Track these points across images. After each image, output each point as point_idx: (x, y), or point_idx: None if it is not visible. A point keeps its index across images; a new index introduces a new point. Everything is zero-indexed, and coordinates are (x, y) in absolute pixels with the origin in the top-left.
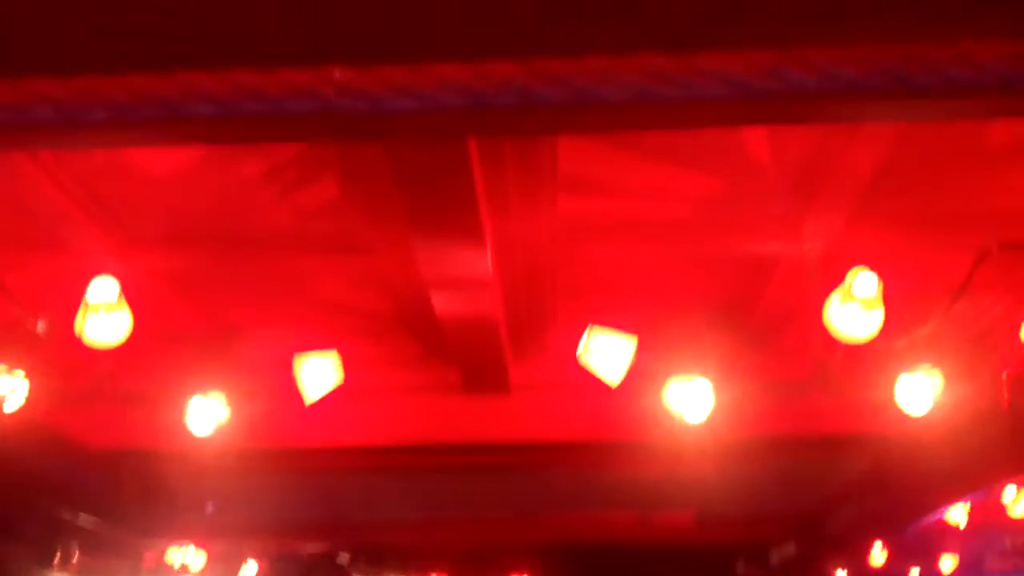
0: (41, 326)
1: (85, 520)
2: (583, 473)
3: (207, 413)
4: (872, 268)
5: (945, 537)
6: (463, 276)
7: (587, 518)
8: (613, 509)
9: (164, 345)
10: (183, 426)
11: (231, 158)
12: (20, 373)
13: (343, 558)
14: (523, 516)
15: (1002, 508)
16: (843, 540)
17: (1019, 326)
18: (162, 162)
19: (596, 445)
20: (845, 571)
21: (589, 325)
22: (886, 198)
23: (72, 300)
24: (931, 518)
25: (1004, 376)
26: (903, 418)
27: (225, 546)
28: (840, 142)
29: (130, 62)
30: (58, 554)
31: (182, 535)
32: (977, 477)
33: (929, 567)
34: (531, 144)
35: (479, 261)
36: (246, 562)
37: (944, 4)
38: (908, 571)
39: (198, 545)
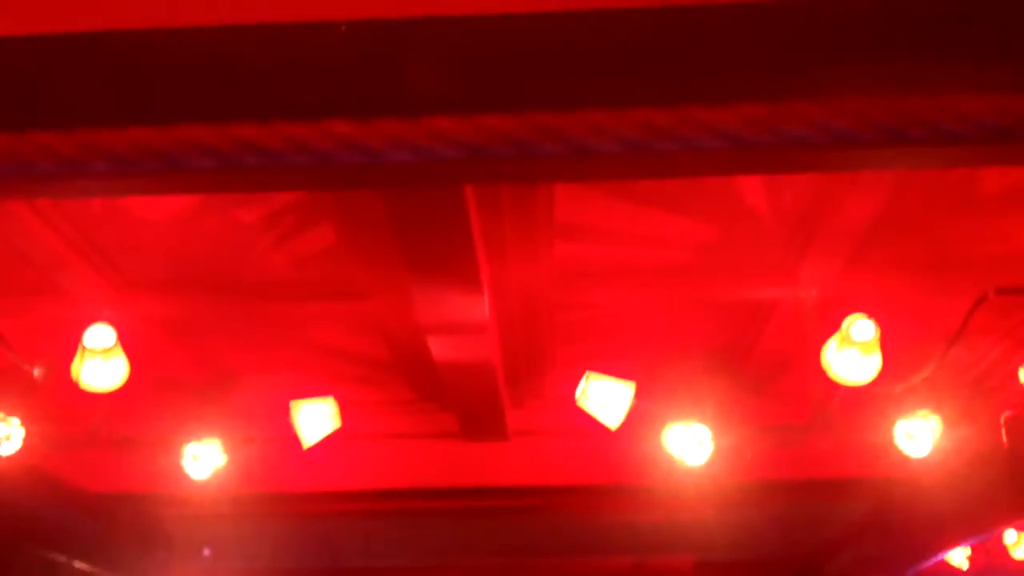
0: (38, 372)
1: (80, 566)
2: (581, 519)
3: (204, 458)
4: (869, 313)
5: None
6: (460, 321)
7: (585, 564)
8: (611, 555)
9: (161, 390)
10: (180, 471)
11: (228, 204)
12: (16, 422)
13: None
14: (521, 562)
15: (1004, 550)
16: None
17: (1016, 370)
18: (159, 208)
19: (594, 490)
20: None
21: (586, 372)
22: (883, 243)
23: (69, 345)
24: (932, 561)
25: (1003, 419)
26: (903, 462)
27: None
28: (837, 188)
29: (131, 116)
30: None
31: None
32: (978, 520)
33: None
34: (528, 191)
35: (476, 307)
36: None
37: (932, 61)
38: None
39: None
